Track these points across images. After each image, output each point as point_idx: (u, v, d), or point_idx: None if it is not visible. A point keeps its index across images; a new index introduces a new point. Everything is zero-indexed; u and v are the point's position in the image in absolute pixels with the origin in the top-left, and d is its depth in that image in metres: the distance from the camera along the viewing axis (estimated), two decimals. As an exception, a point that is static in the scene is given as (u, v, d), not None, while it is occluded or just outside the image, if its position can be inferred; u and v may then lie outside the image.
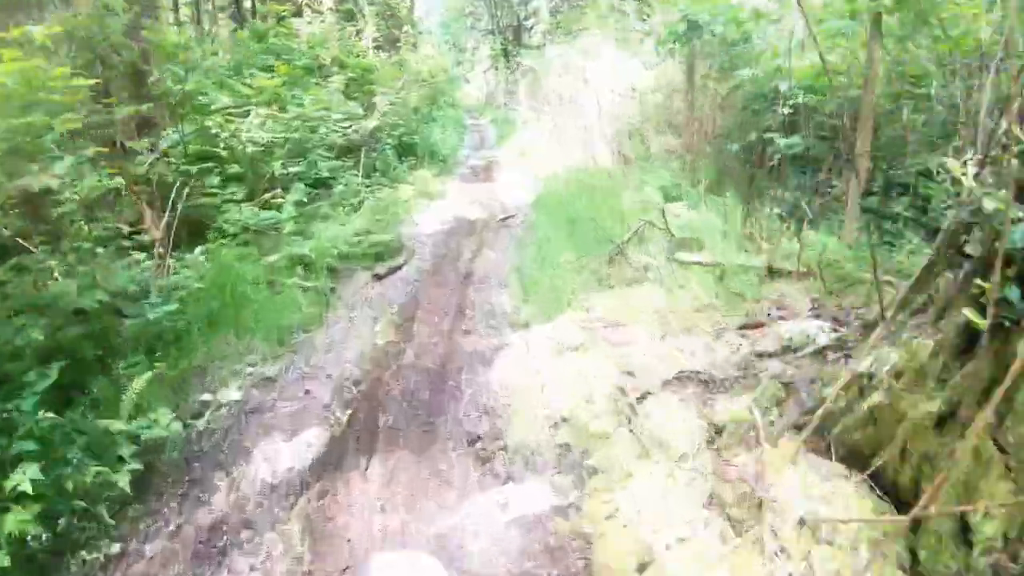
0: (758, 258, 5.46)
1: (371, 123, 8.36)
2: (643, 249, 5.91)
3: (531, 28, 31.85)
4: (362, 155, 9.17)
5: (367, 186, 8.83)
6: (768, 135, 6.80)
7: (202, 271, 5.10)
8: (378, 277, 5.99)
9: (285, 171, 6.81)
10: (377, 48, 12.60)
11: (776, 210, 6.10)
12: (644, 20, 15.33)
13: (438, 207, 8.77)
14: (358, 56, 11.27)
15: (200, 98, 6.79)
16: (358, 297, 5.59)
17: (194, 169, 6.02)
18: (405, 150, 11.47)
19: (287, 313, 5.00)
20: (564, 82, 14.14)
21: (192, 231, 6.29)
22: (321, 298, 5.37)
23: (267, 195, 6.80)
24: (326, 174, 7.41)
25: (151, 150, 6.29)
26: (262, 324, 4.78)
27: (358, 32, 12.23)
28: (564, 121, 13.78)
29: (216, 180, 6.16)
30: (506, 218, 8.09)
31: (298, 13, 12.72)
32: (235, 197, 6.45)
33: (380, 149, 9.72)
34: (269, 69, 9.35)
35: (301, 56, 10.45)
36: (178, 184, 5.44)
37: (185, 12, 15.85)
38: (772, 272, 5.31)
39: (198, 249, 5.30)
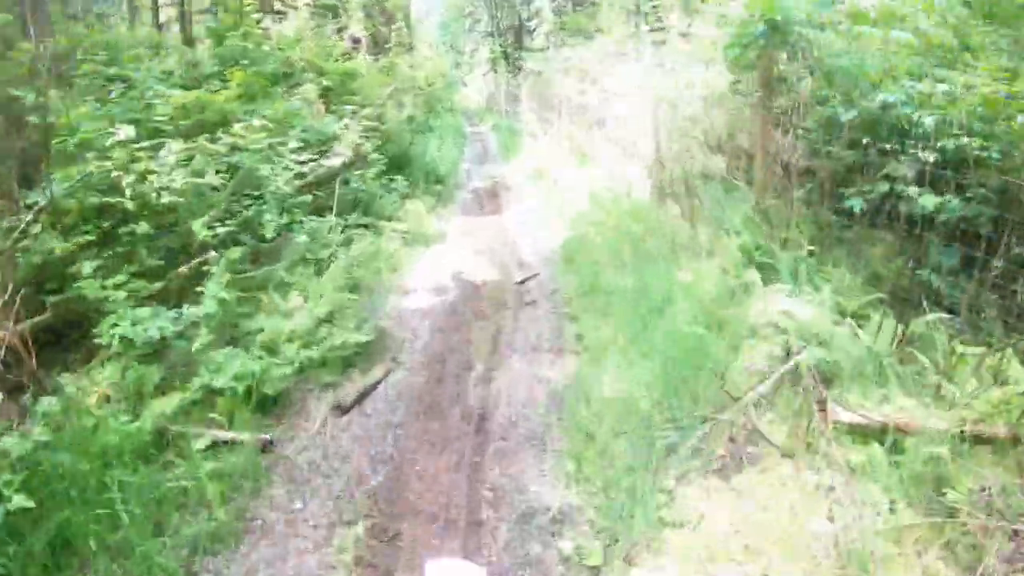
0: (942, 409, 3.34)
1: (338, 158, 6.12)
2: (751, 370, 3.78)
3: (533, 30, 29.74)
4: (337, 186, 6.96)
5: (343, 229, 6.63)
6: (899, 188, 4.67)
7: (48, 437, 2.92)
8: (342, 410, 3.82)
9: (213, 232, 4.60)
10: (359, 47, 10.35)
11: (941, 316, 3.97)
12: (661, 20, 13.14)
13: (435, 259, 6.58)
14: (338, 60, 9.04)
15: (67, 139, 4.55)
16: (308, 457, 3.42)
17: (58, 249, 3.80)
18: (396, 169, 9.26)
19: (184, 522, 2.83)
20: (578, 87, 11.95)
21: (76, 339, 4.14)
22: (246, 473, 3.20)
23: (187, 268, 4.60)
24: (275, 230, 5.17)
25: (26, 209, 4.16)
26: (141, 552, 2.62)
27: (340, 31, 9.98)
28: (581, 133, 11.60)
29: (103, 257, 3.94)
30: (526, 280, 5.92)
31: (271, 10, 10.43)
32: (136, 280, 4.26)
33: (361, 178, 7.50)
34: (218, 78, 7.14)
35: (266, 60, 8.19)
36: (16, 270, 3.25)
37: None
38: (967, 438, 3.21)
39: (45, 402, 3.10)
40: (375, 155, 7.47)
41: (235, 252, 4.69)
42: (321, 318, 4.55)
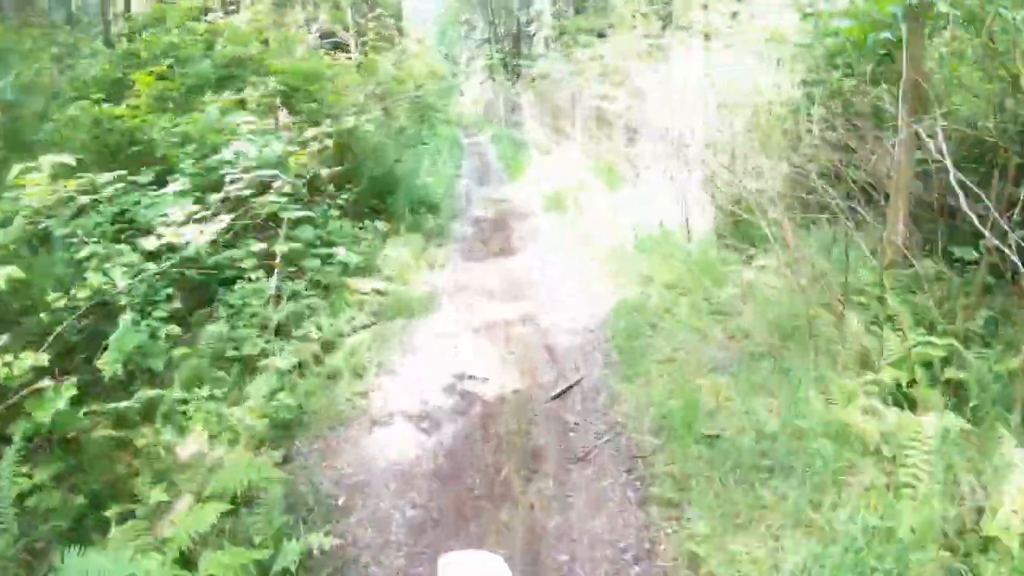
0: None
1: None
2: None
3: (533, 35, 27.72)
4: (283, 231, 4.72)
5: (290, 297, 4.39)
6: None
7: None
8: None
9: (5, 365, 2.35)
10: (335, 45, 8.05)
11: None
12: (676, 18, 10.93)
13: (422, 346, 4.31)
14: (306, 57, 6.80)
15: None
16: None
17: None
18: (377, 195, 7.05)
19: None
20: (599, 92, 9.72)
21: None
22: None
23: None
24: (120, 359, 2.87)
25: None
26: None
27: (307, 23, 7.75)
28: (607, 146, 9.37)
29: None
30: (565, 391, 3.65)
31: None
32: None
33: (322, 212, 5.26)
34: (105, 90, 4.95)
35: (200, 59, 5.97)
36: None
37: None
38: None
39: None
40: (329, 185, 5.23)
41: (62, 397, 2.43)
42: (203, 534, 2.29)
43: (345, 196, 5.50)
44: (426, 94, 8.01)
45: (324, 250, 5.09)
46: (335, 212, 5.25)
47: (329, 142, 5.22)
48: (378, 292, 4.95)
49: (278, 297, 4.38)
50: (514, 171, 11.47)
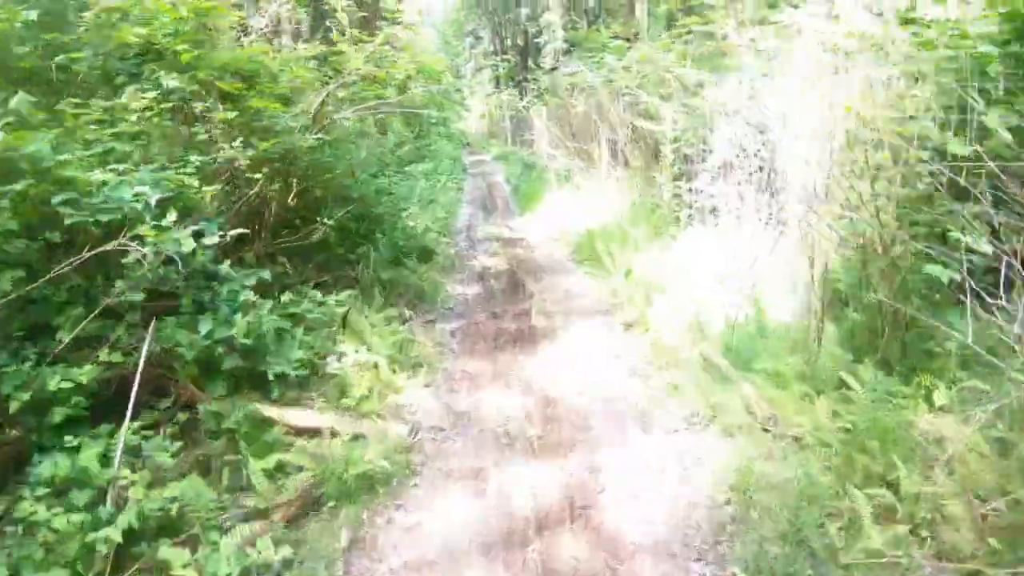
0: None
1: None
2: None
3: (543, 47, 25.90)
4: (149, 334, 2.65)
5: (148, 485, 2.30)
6: None
7: None
8: None
9: None
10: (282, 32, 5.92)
11: None
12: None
13: None
14: (240, 44, 4.73)
15: None
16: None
17: None
18: (350, 238, 5.03)
19: None
20: (633, 108, 7.66)
21: None
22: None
23: None
24: None
25: None
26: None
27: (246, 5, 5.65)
28: (648, 179, 7.27)
29: None
30: None
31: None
32: None
33: (229, 294, 3.15)
34: None
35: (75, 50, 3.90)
36: None
37: None
38: None
39: None
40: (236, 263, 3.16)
41: None
42: None
43: (275, 264, 3.41)
44: (417, 99, 5.94)
45: (232, 363, 2.98)
46: (249, 292, 3.14)
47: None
48: (314, 434, 2.85)
49: (132, 470, 2.29)
50: (526, 200, 9.43)
